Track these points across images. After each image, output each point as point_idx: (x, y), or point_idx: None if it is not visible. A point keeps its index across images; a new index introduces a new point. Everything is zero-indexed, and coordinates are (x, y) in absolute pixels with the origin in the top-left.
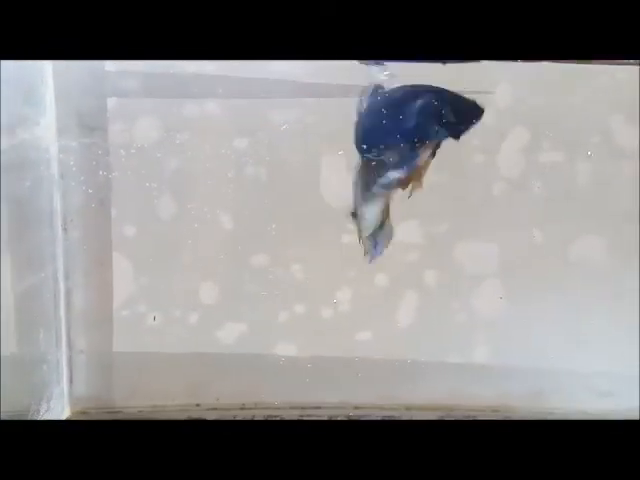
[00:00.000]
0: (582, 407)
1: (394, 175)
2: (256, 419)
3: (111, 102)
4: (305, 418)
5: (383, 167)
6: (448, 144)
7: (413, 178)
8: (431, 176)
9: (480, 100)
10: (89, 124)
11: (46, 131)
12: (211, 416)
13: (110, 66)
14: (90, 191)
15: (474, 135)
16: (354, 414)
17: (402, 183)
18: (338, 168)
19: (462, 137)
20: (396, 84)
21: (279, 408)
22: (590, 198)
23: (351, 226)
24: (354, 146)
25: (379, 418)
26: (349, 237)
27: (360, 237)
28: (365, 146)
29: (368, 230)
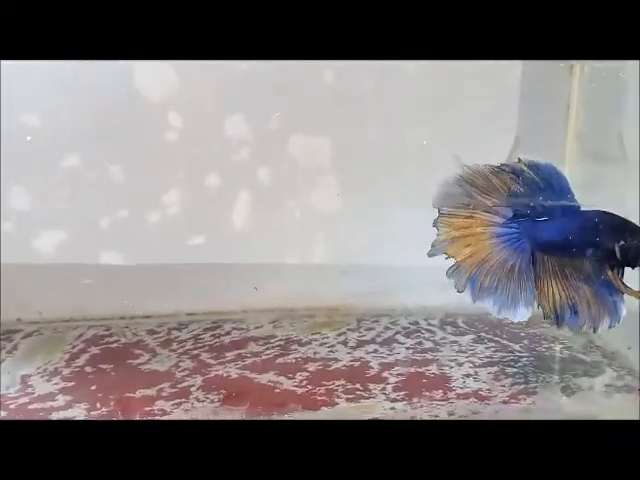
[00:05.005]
0: (425, 302)
1: None
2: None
3: None
4: (132, 328)
5: None
6: None
7: None
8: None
9: None
10: None
11: None
12: (31, 328)
13: None
14: None
15: None
16: (186, 320)
17: None
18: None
19: None
20: None
21: (106, 319)
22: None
23: (175, 122)
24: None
25: (210, 324)
26: (173, 134)
27: None
28: None
29: None
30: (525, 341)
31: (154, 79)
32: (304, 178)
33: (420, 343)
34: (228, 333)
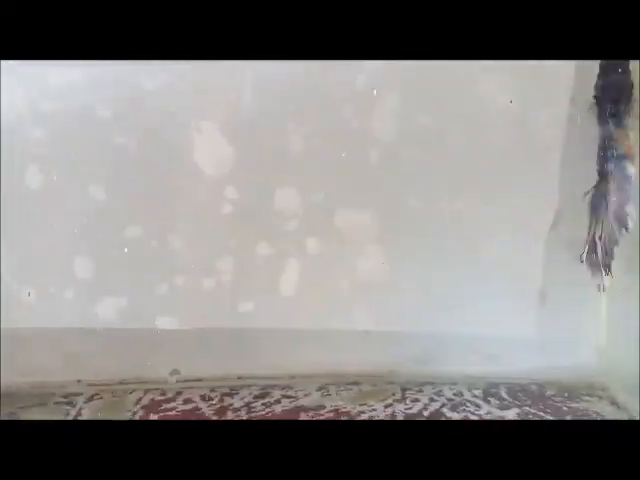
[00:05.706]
0: (468, 371)
1: None
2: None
3: None
4: (186, 391)
5: None
6: (320, 108)
7: None
8: (303, 141)
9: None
10: None
11: None
12: (90, 392)
13: None
14: None
15: (347, 101)
16: (237, 384)
17: None
18: (213, 134)
19: None
20: None
21: (159, 382)
22: (463, 160)
23: (230, 194)
24: (228, 111)
25: (260, 390)
26: (228, 206)
27: None
28: None
29: None
30: (568, 417)
31: (212, 155)
32: (351, 248)
33: (466, 418)
34: (278, 401)
